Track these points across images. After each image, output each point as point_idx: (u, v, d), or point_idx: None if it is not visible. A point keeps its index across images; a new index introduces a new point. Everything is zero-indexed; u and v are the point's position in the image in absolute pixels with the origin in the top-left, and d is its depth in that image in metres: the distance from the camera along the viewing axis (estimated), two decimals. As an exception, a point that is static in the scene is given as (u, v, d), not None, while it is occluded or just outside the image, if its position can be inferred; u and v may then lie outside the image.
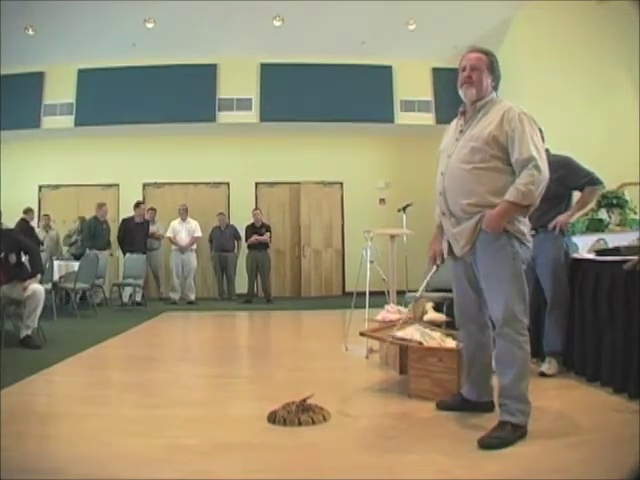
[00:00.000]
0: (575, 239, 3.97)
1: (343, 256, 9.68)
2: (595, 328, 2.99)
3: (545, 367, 3.24)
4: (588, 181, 3.26)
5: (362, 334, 3.38)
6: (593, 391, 2.90)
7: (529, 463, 1.96)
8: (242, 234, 8.80)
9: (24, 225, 7.71)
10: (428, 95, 9.31)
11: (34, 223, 8.28)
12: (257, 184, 9.77)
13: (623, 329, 2.71)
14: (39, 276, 4.65)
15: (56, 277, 6.32)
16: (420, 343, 2.88)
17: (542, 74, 7.06)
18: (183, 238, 8.44)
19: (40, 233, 8.28)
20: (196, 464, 2.01)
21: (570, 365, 3.26)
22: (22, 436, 2.32)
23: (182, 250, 8.39)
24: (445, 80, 8.41)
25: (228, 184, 9.72)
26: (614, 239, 4.17)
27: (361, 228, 5.11)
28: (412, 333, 2.96)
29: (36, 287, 4.40)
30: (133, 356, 4.38)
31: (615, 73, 6.48)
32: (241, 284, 8.75)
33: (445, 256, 2.51)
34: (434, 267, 2.63)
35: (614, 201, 5.42)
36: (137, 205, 8.27)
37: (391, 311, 3.75)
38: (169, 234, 8.46)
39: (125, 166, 9.40)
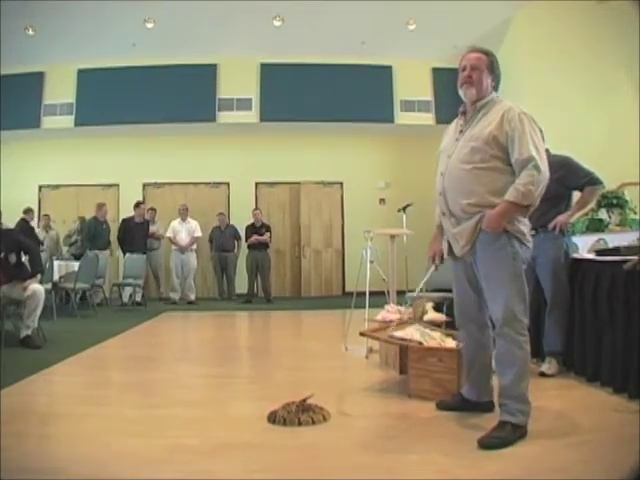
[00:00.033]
0: (575, 239, 3.97)
1: (343, 256, 9.68)
2: (595, 328, 2.99)
3: (545, 367, 3.24)
4: (588, 181, 3.26)
5: (362, 334, 3.38)
6: (593, 391, 2.90)
7: (529, 463, 1.96)
8: (242, 234, 8.80)
9: (24, 225, 7.71)
10: (428, 95, 9.31)
11: (34, 223, 8.28)
12: (257, 184, 9.78)
13: (623, 329, 2.71)
14: (39, 276, 4.65)
15: (56, 277, 6.32)
16: (420, 343, 2.88)
17: (542, 74, 7.06)
18: (183, 238, 8.44)
19: (40, 233, 8.29)
20: (196, 464, 2.01)
21: (570, 365, 3.26)
22: (22, 436, 2.32)
23: (182, 250, 8.39)
24: (445, 80, 8.41)
25: (228, 184, 9.72)
26: (614, 239, 4.17)
27: (361, 228, 5.11)
28: (412, 333, 2.96)
29: (36, 287, 4.40)
30: (133, 356, 4.38)
31: (615, 73, 6.48)
32: (241, 284, 8.75)
33: (445, 256, 2.51)
34: (433, 267, 2.63)
35: (614, 201, 5.42)
36: (137, 205, 8.27)
37: (391, 311, 3.75)
38: (169, 234, 8.46)
39: (125, 166, 9.40)
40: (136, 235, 8.03)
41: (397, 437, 2.27)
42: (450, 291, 2.67)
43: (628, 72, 6.20)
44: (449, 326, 3.33)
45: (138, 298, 7.96)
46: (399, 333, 3.02)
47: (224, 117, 9.09)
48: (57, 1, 7.04)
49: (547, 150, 2.41)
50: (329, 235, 9.71)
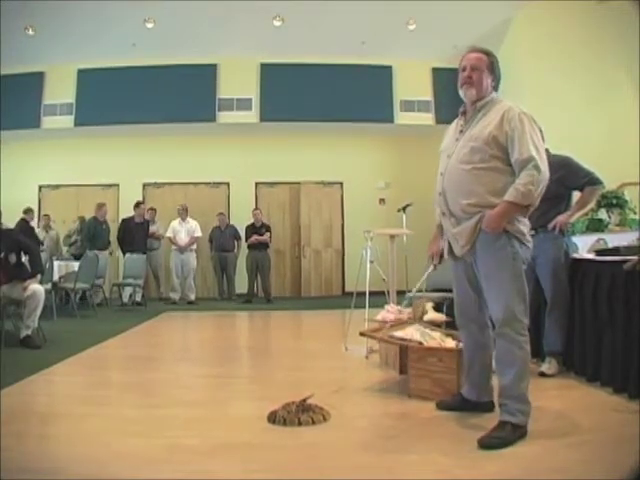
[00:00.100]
0: (575, 239, 3.97)
1: (343, 256, 9.68)
2: (595, 328, 2.99)
3: (545, 367, 3.24)
4: (588, 181, 3.26)
5: (362, 334, 3.38)
6: (593, 391, 2.90)
7: (529, 463, 1.96)
8: (242, 234, 8.80)
9: (24, 225, 7.71)
10: (428, 95, 9.31)
11: (34, 223, 8.28)
12: (257, 184, 9.77)
13: (623, 329, 2.71)
14: (39, 276, 4.65)
15: (56, 277, 6.32)
16: (420, 343, 2.88)
17: (542, 74, 7.06)
18: (182, 238, 8.44)
19: (40, 233, 8.29)
20: (196, 464, 2.01)
21: (570, 365, 3.26)
22: (22, 436, 2.32)
23: (181, 250, 8.39)
24: (445, 80, 8.41)
25: (228, 184, 9.72)
26: (614, 239, 4.17)
27: (361, 228, 5.12)
28: (412, 333, 2.96)
29: (36, 287, 4.40)
30: (133, 356, 4.37)
31: (615, 73, 6.48)
32: (241, 284, 8.75)
33: (445, 256, 2.52)
34: (431, 267, 2.63)
35: (614, 201, 5.42)
36: (137, 205, 8.27)
37: (391, 311, 3.75)
38: (169, 234, 8.46)
39: (125, 166, 9.40)
40: (136, 235, 8.03)
41: (397, 437, 2.27)
42: (450, 291, 2.67)
43: (628, 72, 6.20)
44: (449, 326, 3.33)
45: (138, 298, 7.96)
46: (399, 333, 3.02)
47: (224, 117, 9.08)
48: (57, 1, 7.04)
49: (547, 150, 2.41)
50: (329, 235, 9.71)
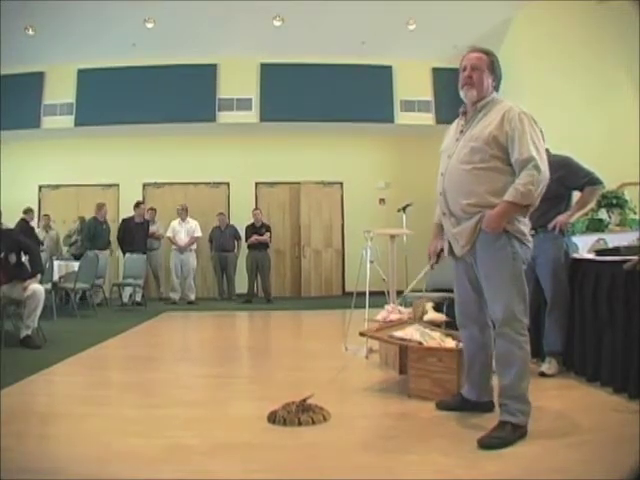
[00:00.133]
0: (575, 239, 3.96)
1: (343, 256, 9.68)
2: (595, 328, 2.99)
3: (545, 367, 3.24)
4: (588, 181, 3.26)
5: (362, 334, 3.38)
6: (593, 391, 2.90)
7: (529, 463, 1.97)
8: (242, 234, 8.80)
9: (24, 225, 7.71)
10: (428, 95, 9.31)
11: (34, 223, 8.28)
12: (257, 184, 9.77)
13: (623, 329, 2.71)
14: (39, 276, 4.65)
15: (56, 277, 6.32)
16: (420, 343, 2.88)
17: (542, 74, 7.06)
18: (182, 238, 8.44)
19: (40, 233, 8.29)
20: (196, 464, 2.01)
21: (570, 365, 3.26)
22: (22, 436, 2.32)
23: (181, 250, 8.39)
24: (445, 80, 8.42)
25: (228, 184, 9.71)
26: (614, 239, 4.17)
27: (361, 228, 5.12)
28: (412, 333, 2.96)
29: (36, 287, 4.40)
30: (133, 356, 4.37)
31: (615, 73, 6.48)
32: (241, 284, 8.75)
33: (446, 255, 2.52)
34: (428, 267, 2.64)
35: (614, 201, 5.41)
36: (137, 205, 8.27)
37: (391, 311, 3.75)
38: (169, 234, 8.47)
39: (125, 166, 9.40)
40: (136, 235, 8.04)
41: (397, 437, 2.27)
42: (450, 291, 2.67)
43: (628, 72, 6.20)
44: (449, 326, 3.33)
45: (138, 298, 7.96)
46: (399, 333, 3.02)
47: (224, 117, 9.08)
48: (57, 1, 7.04)
49: (547, 150, 2.40)
50: (329, 235, 9.71)
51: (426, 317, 3.52)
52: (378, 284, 4.49)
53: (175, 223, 8.53)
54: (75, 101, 8.99)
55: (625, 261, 2.66)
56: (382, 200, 9.64)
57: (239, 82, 9.12)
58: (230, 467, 2.00)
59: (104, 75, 8.87)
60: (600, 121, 6.43)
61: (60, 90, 9.00)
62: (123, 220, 8.31)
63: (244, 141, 9.51)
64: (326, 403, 2.55)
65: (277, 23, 8.09)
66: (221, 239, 8.75)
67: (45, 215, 8.84)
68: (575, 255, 3.39)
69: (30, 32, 7.85)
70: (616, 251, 2.98)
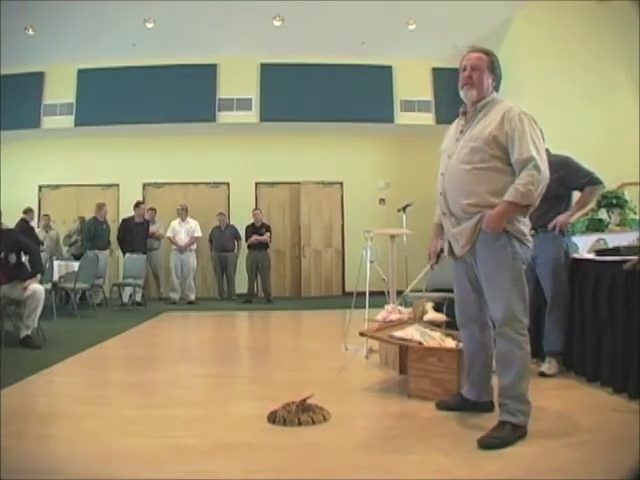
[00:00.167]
0: (575, 239, 3.97)
1: (343, 256, 9.68)
2: (595, 328, 2.99)
3: (545, 367, 3.24)
4: (588, 181, 3.26)
5: (362, 334, 3.38)
6: (593, 391, 2.90)
7: (529, 463, 1.97)
8: (242, 234, 8.80)
9: (24, 225, 7.71)
10: (428, 95, 9.31)
11: (34, 223, 8.28)
12: (257, 184, 9.78)
13: (623, 329, 2.71)
14: (39, 276, 4.65)
15: (56, 277, 6.32)
16: (420, 343, 2.88)
17: (542, 74, 7.06)
18: (182, 238, 8.44)
19: (40, 233, 8.29)
20: (196, 464, 2.01)
21: (570, 365, 3.26)
22: (22, 436, 2.32)
23: (181, 250, 8.40)
24: (445, 80, 8.42)
25: (228, 184, 9.71)
26: (614, 239, 4.17)
27: (361, 228, 5.12)
28: (412, 333, 2.96)
29: (36, 287, 4.40)
30: (133, 356, 4.37)
31: (615, 73, 6.48)
32: (241, 284, 8.75)
33: (446, 255, 2.52)
34: (428, 267, 2.64)
35: (614, 201, 5.41)
36: (137, 205, 8.27)
37: (391, 311, 3.75)
38: (169, 234, 8.47)
39: (125, 166, 9.40)
40: (136, 235, 8.04)
41: (397, 437, 2.27)
42: (450, 291, 2.67)
43: (628, 72, 6.20)
44: (449, 326, 3.33)
45: (138, 298, 7.96)
46: (399, 333, 3.02)
47: (224, 117, 9.08)
48: (57, 1, 7.04)
49: (547, 150, 2.40)
50: (329, 235, 9.71)
51: (426, 317, 3.52)
52: (378, 284, 4.49)
53: (175, 223, 8.53)
54: (75, 101, 8.99)
55: (625, 261, 2.67)
56: (382, 200, 9.64)
57: (239, 82, 9.12)
58: (230, 467, 2.00)
59: (104, 75, 8.87)
60: (600, 121, 6.43)
61: (60, 90, 9.00)
62: (123, 220, 8.31)
63: (244, 141, 9.51)
64: (326, 403, 2.55)
65: (277, 23, 8.09)
66: (221, 239, 8.75)
67: (45, 215, 8.84)
68: (575, 255, 3.39)
69: (30, 32, 7.85)
70: (616, 251, 2.98)
